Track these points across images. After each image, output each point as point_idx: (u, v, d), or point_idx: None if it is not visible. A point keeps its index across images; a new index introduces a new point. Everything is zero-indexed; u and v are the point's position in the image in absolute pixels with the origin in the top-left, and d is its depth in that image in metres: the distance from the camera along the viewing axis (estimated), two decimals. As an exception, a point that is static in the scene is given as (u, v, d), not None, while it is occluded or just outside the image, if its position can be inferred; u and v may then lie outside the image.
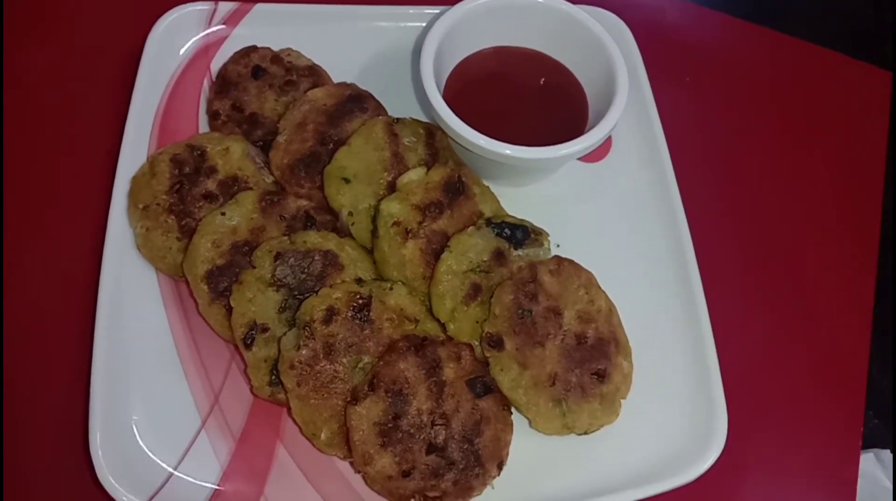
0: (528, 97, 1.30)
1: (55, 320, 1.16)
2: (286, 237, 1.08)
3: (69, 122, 1.34)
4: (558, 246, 1.18)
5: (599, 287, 1.13)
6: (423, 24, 1.39)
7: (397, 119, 1.20)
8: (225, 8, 1.36)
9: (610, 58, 1.23)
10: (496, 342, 1.03)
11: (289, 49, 1.31)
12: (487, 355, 1.04)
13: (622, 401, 1.09)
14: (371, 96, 1.26)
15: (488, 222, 1.12)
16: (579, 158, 1.28)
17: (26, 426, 1.10)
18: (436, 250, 1.09)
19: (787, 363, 1.25)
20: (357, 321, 1.02)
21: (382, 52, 1.37)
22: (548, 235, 1.15)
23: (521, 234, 1.12)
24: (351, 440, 0.97)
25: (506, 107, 1.27)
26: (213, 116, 1.25)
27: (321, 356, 1.00)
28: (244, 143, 1.18)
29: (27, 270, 1.20)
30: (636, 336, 1.13)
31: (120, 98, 1.25)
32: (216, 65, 1.31)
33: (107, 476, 0.97)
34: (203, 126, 1.27)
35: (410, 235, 1.08)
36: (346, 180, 1.13)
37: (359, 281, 1.06)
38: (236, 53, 1.30)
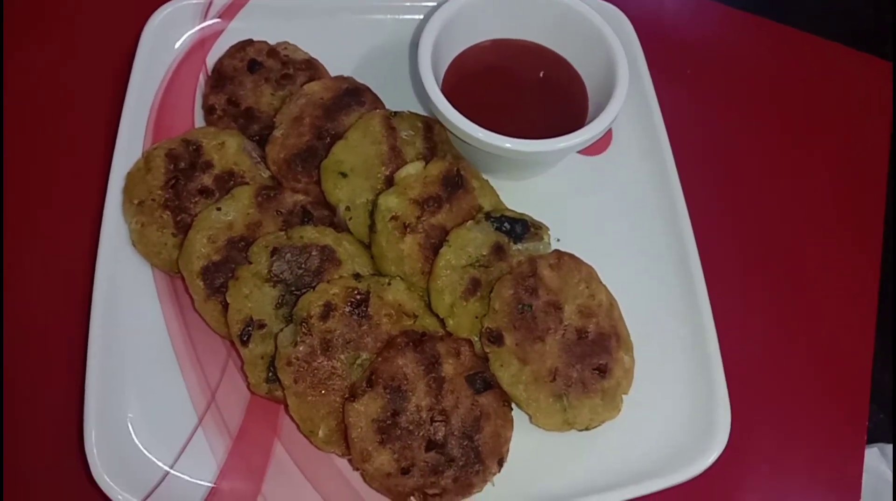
0: (527, 90, 1.29)
1: (50, 316, 1.15)
2: (283, 232, 1.07)
3: (64, 117, 1.33)
4: (558, 240, 1.18)
5: (600, 281, 1.12)
6: (421, 17, 1.38)
7: (395, 113, 1.19)
8: (220, 1, 1.35)
9: (610, 50, 1.22)
10: (496, 338, 1.02)
11: (285, 43, 1.30)
12: (487, 350, 1.03)
13: (623, 396, 1.08)
14: (368, 90, 1.25)
15: (487, 216, 1.11)
16: (579, 152, 1.28)
17: (21, 423, 1.09)
18: (434, 244, 1.08)
19: (790, 357, 1.24)
20: (355, 317, 1.01)
21: (380, 45, 1.37)
22: (548, 229, 1.14)
23: (521, 228, 1.11)
24: (349, 437, 0.96)
25: (505, 100, 1.26)
26: (208, 110, 1.24)
27: (318, 352, 0.99)
28: (240, 137, 1.17)
29: (22, 266, 1.19)
30: (637, 331, 1.12)
31: (115, 93, 1.25)
32: (212, 59, 1.31)
33: (102, 475, 0.96)
34: (199, 121, 1.26)
35: (409, 229, 1.07)
36: (344, 175, 1.12)
37: (356, 276, 1.05)
38: (232, 47, 1.29)
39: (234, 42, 1.30)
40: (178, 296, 1.12)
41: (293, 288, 1.04)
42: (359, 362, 1.00)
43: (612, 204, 1.26)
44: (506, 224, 1.11)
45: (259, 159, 1.17)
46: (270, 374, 1.01)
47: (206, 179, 1.14)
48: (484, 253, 1.08)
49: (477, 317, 1.05)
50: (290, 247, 1.05)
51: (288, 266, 1.05)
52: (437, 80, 1.16)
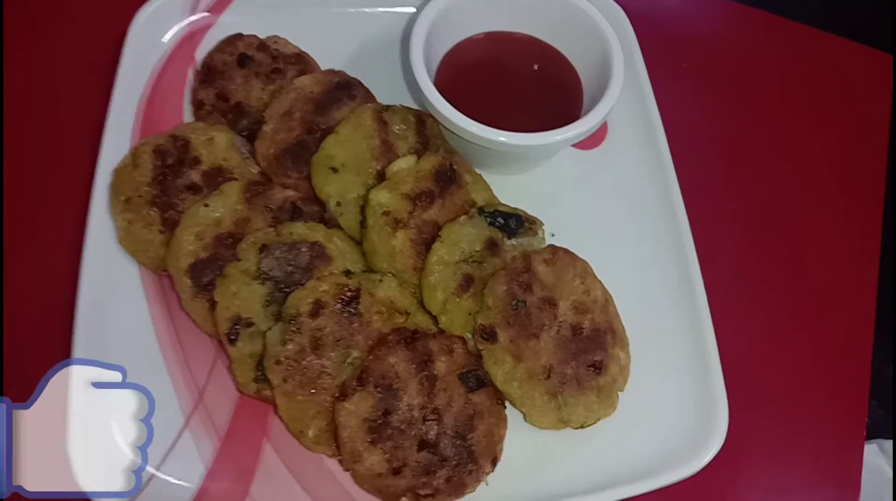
0: (521, 83, 1.28)
1: (34, 315, 1.14)
2: (272, 229, 1.06)
3: (50, 113, 1.32)
4: (553, 235, 1.17)
5: (595, 277, 1.11)
6: (413, 10, 1.36)
7: (387, 107, 1.18)
8: (210, -5, 1.33)
9: (605, 42, 1.21)
10: (489, 335, 1.01)
11: (275, 37, 1.29)
12: (480, 347, 1.02)
13: (619, 394, 1.07)
14: (360, 84, 1.23)
15: (481, 210, 1.10)
16: (574, 145, 1.27)
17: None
18: (427, 240, 1.07)
19: (788, 353, 1.24)
20: (345, 315, 1.00)
21: (371, 39, 1.35)
22: (542, 223, 1.14)
23: (515, 223, 1.11)
24: (339, 437, 0.95)
25: (498, 93, 1.25)
26: (197, 105, 1.23)
27: (308, 350, 0.98)
28: (229, 133, 1.16)
29: (6, 264, 1.18)
30: (633, 327, 1.11)
31: (102, 88, 1.23)
32: (201, 53, 1.29)
33: (87, 476, 0.93)
34: (188, 116, 1.25)
35: (400, 225, 1.06)
36: (334, 170, 1.11)
37: (347, 273, 1.04)
38: (221, 41, 1.27)
39: (224, 36, 1.28)
40: (166, 294, 1.11)
41: (282, 286, 1.03)
42: (349, 360, 0.99)
43: (607, 198, 1.26)
44: (499, 219, 1.10)
45: (248, 155, 1.16)
46: (259, 373, 0.99)
47: (195, 176, 1.13)
48: (477, 249, 1.07)
49: (470, 314, 1.04)
50: (279, 244, 1.04)
51: (277, 263, 1.03)
52: (429, 73, 1.16)
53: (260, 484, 1.00)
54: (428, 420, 0.97)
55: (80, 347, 1.02)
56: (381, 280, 1.03)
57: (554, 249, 1.09)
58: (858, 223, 1.36)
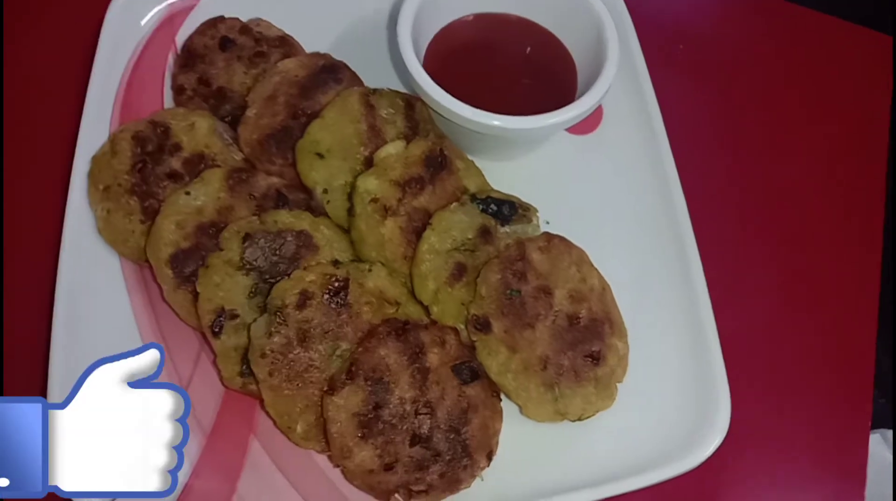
0: (513, 66, 1.26)
1: (10, 310, 1.13)
2: (256, 217, 1.04)
3: (26, 100, 1.31)
4: (548, 222, 1.15)
5: (592, 265, 1.09)
6: (401, -10, 1.34)
7: (374, 90, 1.17)
8: (190, -24, 1.32)
9: (599, 23, 1.19)
10: (483, 325, 1.00)
11: (258, 19, 1.28)
12: (474, 338, 1.01)
13: (618, 385, 1.06)
14: (346, 67, 1.22)
15: (473, 197, 1.08)
16: (568, 130, 1.25)
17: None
18: (417, 228, 1.05)
19: (790, 341, 1.23)
20: (333, 306, 0.98)
21: (357, 20, 1.33)
22: (536, 210, 1.12)
23: (509, 210, 1.09)
24: (328, 432, 0.94)
25: (490, 76, 1.23)
26: (178, 90, 1.22)
27: (295, 343, 0.96)
28: (211, 118, 1.15)
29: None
30: (631, 316, 1.10)
31: (79, 74, 1.21)
32: (181, 37, 1.27)
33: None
34: (168, 102, 1.24)
35: (390, 212, 1.04)
36: (320, 156, 1.09)
37: (335, 263, 1.02)
38: (203, 24, 1.26)
39: (205, 19, 1.26)
40: (147, 286, 1.09)
41: (267, 276, 1.01)
42: (338, 353, 0.98)
43: (603, 184, 1.24)
44: (492, 206, 1.08)
45: (231, 141, 1.15)
46: (244, 367, 0.98)
47: (175, 163, 1.11)
48: (469, 236, 1.05)
49: (463, 304, 1.02)
50: (263, 232, 1.02)
51: (262, 253, 1.02)
52: (418, 55, 1.14)
53: (247, 482, 0.98)
54: (420, 414, 0.96)
55: (58, 340, 1.01)
56: (370, 270, 1.02)
57: (549, 236, 1.07)
58: (860, 211, 1.35)
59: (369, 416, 0.94)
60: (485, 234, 1.06)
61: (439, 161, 1.09)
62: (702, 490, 1.10)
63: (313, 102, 1.15)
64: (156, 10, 1.29)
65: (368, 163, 1.09)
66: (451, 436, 0.96)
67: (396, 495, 0.95)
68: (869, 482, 1.13)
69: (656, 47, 1.35)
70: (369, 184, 1.04)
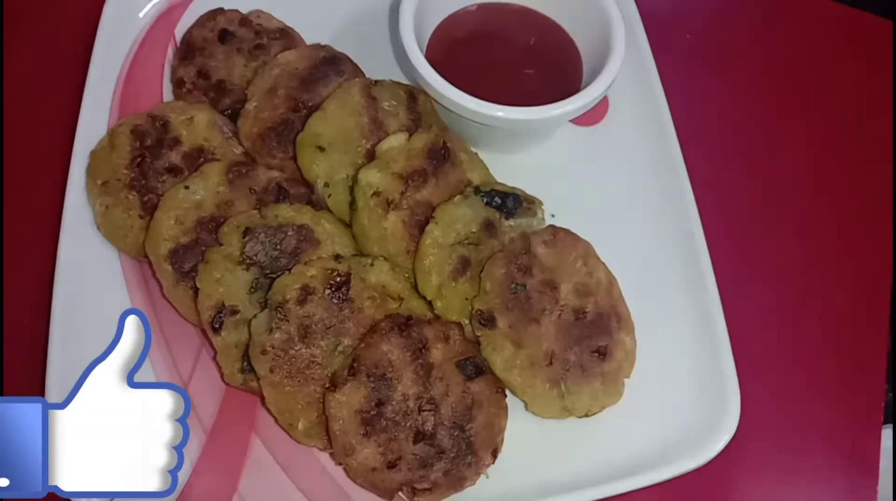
0: (516, 57, 1.25)
1: (10, 308, 1.12)
2: (256, 212, 1.04)
3: (24, 94, 1.30)
4: (553, 216, 1.14)
5: (598, 258, 1.09)
6: (403, -19, 1.33)
7: (376, 82, 1.16)
8: (189, -32, 1.31)
9: (605, 13, 1.19)
10: (487, 320, 0.99)
11: (258, 11, 1.27)
12: (478, 334, 1.00)
13: (625, 380, 1.05)
14: (347, 58, 1.21)
15: (477, 190, 1.08)
16: (574, 121, 1.24)
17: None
18: (420, 222, 1.05)
19: (801, 335, 1.21)
20: (335, 301, 0.98)
21: (359, 11, 1.33)
22: (541, 203, 1.11)
23: (513, 203, 1.08)
24: (331, 429, 0.93)
25: (494, 67, 1.23)
26: (177, 83, 1.22)
27: (296, 339, 0.96)
28: (210, 112, 1.15)
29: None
30: (639, 310, 1.09)
31: (78, 67, 1.21)
32: (180, 29, 1.27)
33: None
34: (167, 95, 1.24)
35: (392, 206, 1.03)
36: (321, 149, 1.08)
37: (337, 257, 1.02)
38: (202, 16, 1.26)
39: (204, 11, 1.26)
40: (147, 282, 1.09)
41: (268, 271, 1.01)
42: (340, 349, 0.97)
43: (609, 176, 1.23)
44: (496, 199, 1.07)
45: (231, 134, 1.15)
46: (245, 364, 0.98)
47: (174, 157, 1.11)
48: (473, 230, 1.05)
49: (467, 299, 1.02)
50: (264, 227, 1.02)
51: (262, 247, 1.01)
52: (420, 46, 1.14)
53: (248, 480, 0.98)
54: (424, 411, 0.95)
55: (56, 338, 1.00)
56: (372, 264, 1.01)
57: (554, 229, 1.07)
58: (869, 199, 1.33)
59: (372, 413, 0.93)
60: (489, 227, 1.06)
61: (442, 153, 1.08)
62: (711, 487, 1.09)
63: (314, 95, 1.15)
64: (154, 2, 1.29)
65: (370, 156, 1.08)
66: (456, 433, 0.96)
67: (400, 493, 0.94)
68: (882, 476, 1.12)
69: (662, 36, 1.34)
70: (371, 177, 1.03)
